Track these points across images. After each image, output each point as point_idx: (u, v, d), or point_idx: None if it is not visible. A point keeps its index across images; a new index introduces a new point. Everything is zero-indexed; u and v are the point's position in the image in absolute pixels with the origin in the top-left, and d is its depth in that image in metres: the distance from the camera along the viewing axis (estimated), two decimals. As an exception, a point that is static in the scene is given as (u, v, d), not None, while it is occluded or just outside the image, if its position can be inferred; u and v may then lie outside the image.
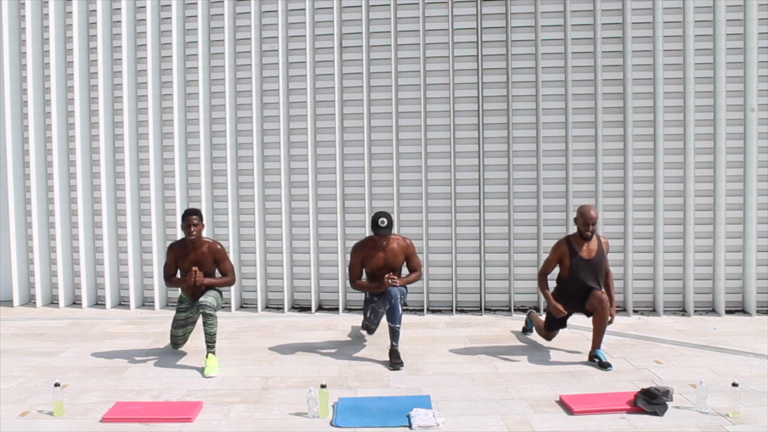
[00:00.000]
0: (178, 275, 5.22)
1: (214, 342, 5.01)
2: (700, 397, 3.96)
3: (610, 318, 4.99)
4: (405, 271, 5.46)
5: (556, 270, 5.17)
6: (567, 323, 5.29)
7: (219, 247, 5.19)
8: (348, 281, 5.32)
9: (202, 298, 5.02)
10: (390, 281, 5.06)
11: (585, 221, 4.92)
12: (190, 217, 5.07)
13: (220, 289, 5.32)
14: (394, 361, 4.97)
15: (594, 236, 5.02)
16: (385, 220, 5.07)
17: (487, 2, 6.76)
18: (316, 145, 7.00)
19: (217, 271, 5.25)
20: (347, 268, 5.34)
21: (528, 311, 5.88)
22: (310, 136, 6.93)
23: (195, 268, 5.03)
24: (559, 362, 5.01)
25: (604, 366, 4.84)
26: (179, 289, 5.37)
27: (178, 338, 5.34)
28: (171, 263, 5.21)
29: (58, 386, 4.04)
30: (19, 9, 7.33)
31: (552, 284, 5.23)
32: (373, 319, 5.45)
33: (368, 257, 5.26)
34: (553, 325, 5.27)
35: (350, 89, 6.91)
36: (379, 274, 5.25)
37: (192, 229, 5.04)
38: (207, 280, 5.10)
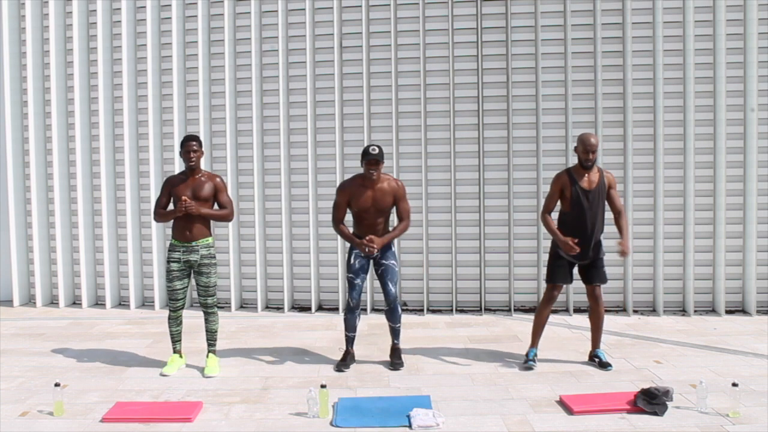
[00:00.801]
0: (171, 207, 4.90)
1: (215, 340, 5.00)
2: (700, 397, 3.96)
3: (624, 251, 4.73)
4: (394, 222, 5.09)
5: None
6: (572, 277, 4.96)
7: (218, 179, 4.94)
8: (332, 223, 4.95)
9: (201, 299, 4.93)
10: (368, 248, 4.73)
11: (585, 148, 4.70)
12: (190, 143, 4.82)
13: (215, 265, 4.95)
14: (395, 361, 4.96)
15: (595, 167, 4.81)
16: (376, 147, 4.72)
17: (487, 2, 6.76)
18: (316, 145, 7.00)
19: (216, 205, 4.94)
20: (332, 206, 4.94)
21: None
22: (310, 136, 6.93)
23: (184, 198, 4.71)
24: (559, 362, 5.01)
25: (604, 366, 4.83)
26: (171, 234, 4.98)
27: (177, 292, 4.88)
28: (164, 195, 4.89)
29: (58, 386, 4.04)
30: (19, 9, 7.33)
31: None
32: (349, 290, 4.95)
33: (355, 195, 4.84)
34: (556, 276, 4.88)
35: (350, 89, 6.91)
36: (366, 216, 4.88)
37: (191, 155, 4.80)
38: (203, 210, 4.78)
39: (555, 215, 4.98)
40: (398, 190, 4.91)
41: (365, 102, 6.85)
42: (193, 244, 4.86)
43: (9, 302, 7.41)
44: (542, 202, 6.63)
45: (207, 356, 4.95)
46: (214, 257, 4.96)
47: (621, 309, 6.75)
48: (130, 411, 4.06)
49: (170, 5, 7.01)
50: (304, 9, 6.88)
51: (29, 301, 7.54)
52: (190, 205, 4.71)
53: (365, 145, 4.86)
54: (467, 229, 6.88)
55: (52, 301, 7.46)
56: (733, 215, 6.61)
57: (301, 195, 7.03)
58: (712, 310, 6.69)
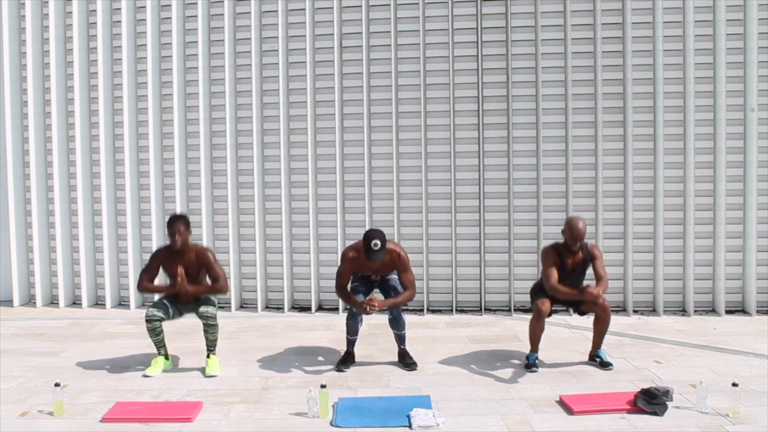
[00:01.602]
0: (157, 282, 4.96)
1: (215, 346, 4.98)
2: (700, 397, 3.95)
3: (593, 294, 4.76)
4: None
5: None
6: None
7: (208, 253, 4.89)
8: (335, 290, 5.00)
9: (202, 308, 4.84)
10: (368, 308, 4.73)
11: (572, 235, 4.75)
12: (175, 225, 4.80)
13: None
14: (408, 362, 4.95)
15: (581, 247, 4.86)
16: (378, 242, 4.64)
17: (487, 2, 6.76)
18: (316, 145, 7.00)
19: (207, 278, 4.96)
20: (336, 272, 4.98)
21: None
22: (310, 136, 6.93)
23: (181, 271, 4.75)
24: (559, 362, 5.01)
25: (605, 365, 4.83)
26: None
27: (160, 308, 4.82)
28: (153, 268, 4.88)
29: (58, 386, 4.04)
30: (19, 9, 7.33)
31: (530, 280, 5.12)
32: (348, 325, 5.00)
33: (359, 266, 4.97)
34: (539, 295, 4.96)
35: (350, 89, 6.91)
36: (369, 279, 5.08)
37: (177, 237, 4.77)
38: (193, 288, 4.79)
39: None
40: (400, 262, 4.92)
41: (365, 102, 6.85)
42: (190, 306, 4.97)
43: (9, 302, 7.41)
44: (542, 202, 6.69)
45: (207, 356, 4.95)
46: (216, 304, 4.98)
47: (621, 309, 6.75)
48: (130, 411, 4.06)
49: (170, 5, 7.01)
50: (304, 9, 6.88)
51: (29, 301, 7.54)
52: (181, 284, 4.74)
53: (367, 230, 4.82)
54: (467, 229, 6.88)
55: (52, 301, 7.46)
56: (733, 215, 6.61)
57: (301, 195, 7.03)
58: (712, 310, 6.69)
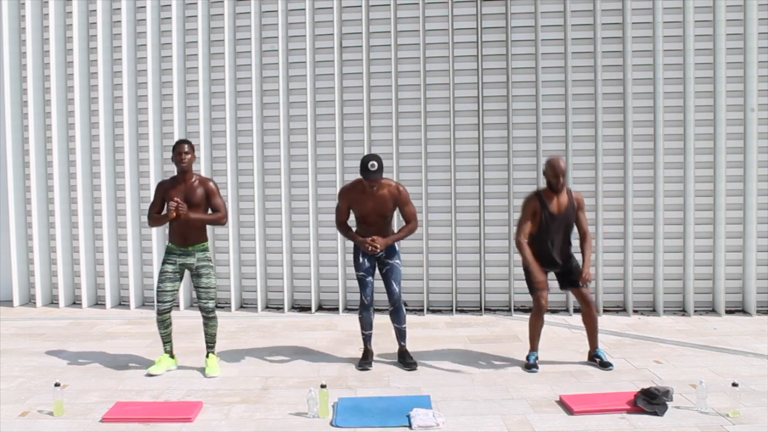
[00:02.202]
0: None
1: (215, 342, 5.00)
2: (700, 397, 3.95)
3: (586, 282, 4.78)
4: (398, 222, 5.11)
5: None
6: (548, 285, 4.94)
7: (211, 182, 4.92)
8: (336, 225, 5.03)
9: (202, 302, 4.88)
10: (371, 248, 4.74)
11: (555, 173, 4.72)
12: (181, 145, 4.81)
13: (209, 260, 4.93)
14: (408, 361, 4.95)
15: (564, 190, 4.83)
16: (375, 163, 4.69)
17: (487, 2, 6.76)
18: (316, 145, 7.00)
19: (209, 210, 4.93)
20: (335, 210, 5.03)
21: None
22: (310, 136, 6.93)
23: (177, 199, 4.69)
24: (559, 362, 5.01)
25: (605, 365, 4.83)
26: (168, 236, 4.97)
27: (165, 294, 4.84)
28: (158, 200, 4.88)
29: (58, 386, 4.04)
30: (19, 9, 7.33)
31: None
32: (362, 288, 4.95)
33: (356, 201, 4.90)
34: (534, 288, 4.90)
35: (350, 89, 6.91)
36: (368, 219, 4.92)
37: (183, 156, 4.77)
38: (194, 215, 4.75)
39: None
40: (399, 196, 4.91)
41: (365, 102, 6.85)
42: (189, 248, 4.88)
43: (9, 302, 7.41)
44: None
45: (207, 356, 4.95)
46: (211, 260, 4.97)
47: (621, 309, 6.75)
48: (130, 411, 4.06)
49: (170, 5, 7.02)
50: (304, 9, 6.88)
51: (29, 301, 7.54)
52: (181, 207, 4.69)
53: (364, 154, 4.87)
54: (467, 229, 6.88)
55: (52, 301, 7.46)
56: (733, 215, 6.61)
57: (301, 195, 7.03)
58: (712, 310, 6.69)
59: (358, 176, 4.86)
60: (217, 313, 5.05)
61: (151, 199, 5.02)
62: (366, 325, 5.05)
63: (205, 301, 4.91)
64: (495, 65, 6.78)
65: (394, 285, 4.94)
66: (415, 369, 4.87)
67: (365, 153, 6.80)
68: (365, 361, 4.97)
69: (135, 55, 7.21)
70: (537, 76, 6.69)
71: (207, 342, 4.97)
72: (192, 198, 4.81)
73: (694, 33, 6.47)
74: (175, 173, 4.94)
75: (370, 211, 4.89)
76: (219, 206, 4.90)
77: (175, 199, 4.72)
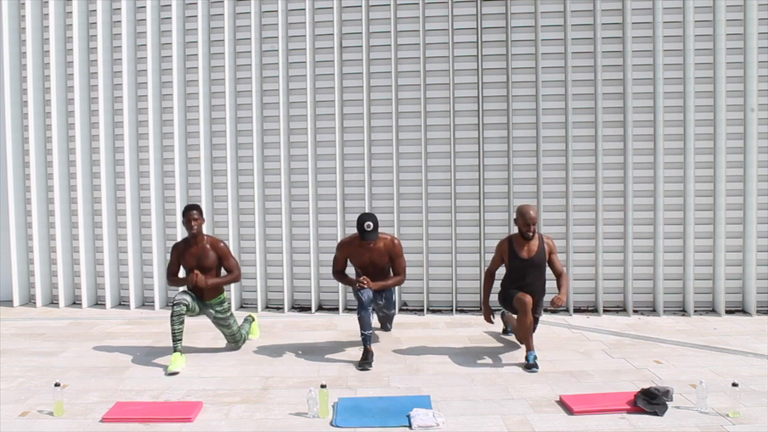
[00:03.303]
0: (181, 274, 5.32)
1: (240, 341, 5.46)
2: (700, 397, 3.96)
3: (558, 305, 4.84)
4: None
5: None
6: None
7: (222, 244, 5.26)
8: (333, 275, 5.47)
9: (231, 346, 5.33)
10: (358, 284, 5.09)
11: (525, 221, 4.97)
12: (191, 212, 5.14)
13: (226, 295, 5.41)
14: (387, 326, 5.65)
15: (536, 236, 5.05)
16: (371, 224, 5.03)
17: (487, 2, 6.76)
18: (316, 145, 7.00)
19: (222, 270, 5.31)
20: (332, 259, 5.45)
21: (501, 312, 5.90)
22: (310, 136, 6.93)
23: (196, 272, 5.06)
24: (559, 362, 5.01)
25: (529, 368, 4.81)
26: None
27: (183, 306, 5.02)
28: (174, 262, 5.27)
29: (58, 386, 4.04)
30: (19, 9, 7.33)
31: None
32: (361, 319, 5.06)
33: (353, 255, 5.31)
34: (510, 301, 5.11)
35: (350, 89, 6.91)
36: (366, 271, 5.30)
37: (193, 223, 5.12)
38: (211, 281, 5.13)
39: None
40: (393, 249, 5.30)
41: (365, 102, 6.85)
42: (207, 303, 5.25)
43: (9, 302, 7.41)
44: (542, 202, 6.70)
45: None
46: (229, 310, 5.33)
47: (621, 309, 6.76)
48: (130, 411, 4.06)
49: (170, 5, 7.01)
50: (304, 9, 6.88)
51: (29, 301, 7.54)
52: (200, 279, 5.05)
53: (360, 214, 5.16)
54: (467, 229, 6.88)
55: (52, 301, 7.46)
56: (733, 215, 6.61)
57: (301, 195, 7.03)
58: (712, 310, 6.69)
59: (355, 232, 5.23)
60: (236, 329, 5.40)
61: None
62: (365, 325, 5.06)
63: (233, 344, 5.38)
64: (495, 65, 6.78)
65: (388, 325, 5.68)
66: (389, 330, 5.39)
67: (365, 153, 6.84)
68: (365, 361, 4.98)
69: (135, 55, 7.21)
70: (537, 76, 6.70)
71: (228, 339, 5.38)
72: (205, 262, 5.17)
73: (694, 33, 6.47)
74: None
75: (368, 264, 5.28)
76: (232, 267, 5.25)
77: (195, 272, 5.07)
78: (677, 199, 6.65)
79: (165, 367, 4.94)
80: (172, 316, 5.00)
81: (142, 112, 7.21)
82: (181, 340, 5.03)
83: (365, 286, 5.08)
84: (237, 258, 7.04)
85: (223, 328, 5.32)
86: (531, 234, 4.98)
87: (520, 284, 5.08)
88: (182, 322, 5.02)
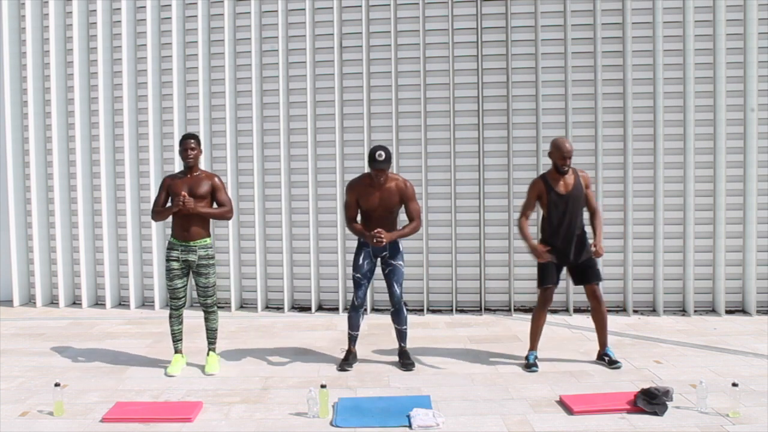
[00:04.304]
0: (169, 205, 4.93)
1: (215, 338, 5.01)
2: (700, 397, 3.96)
3: (598, 252, 4.80)
4: (403, 220, 5.10)
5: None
6: (559, 279, 4.96)
7: (217, 178, 4.96)
8: (345, 223, 5.06)
9: (200, 299, 4.93)
10: (376, 239, 4.72)
11: (561, 154, 4.74)
12: (188, 140, 4.85)
13: (212, 253, 4.94)
14: (405, 362, 4.94)
15: (570, 170, 4.84)
16: (382, 153, 4.71)
17: (487, 2, 6.76)
18: (316, 145, 7.00)
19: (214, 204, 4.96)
20: (343, 206, 5.08)
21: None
22: (310, 136, 6.93)
23: (184, 193, 4.71)
24: (559, 362, 5.01)
25: (613, 363, 4.82)
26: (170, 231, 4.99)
27: (178, 291, 4.87)
28: (162, 193, 4.90)
29: (58, 386, 4.04)
30: (19, 9, 7.33)
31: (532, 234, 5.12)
32: (355, 289, 4.96)
33: (363, 195, 4.89)
34: (545, 279, 4.88)
35: (350, 89, 6.91)
36: (374, 215, 4.92)
37: (189, 152, 4.82)
38: (201, 208, 4.78)
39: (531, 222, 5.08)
40: (405, 191, 4.92)
41: (365, 102, 6.85)
42: (191, 244, 4.87)
43: (9, 302, 7.40)
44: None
45: (207, 354, 4.96)
46: (213, 257, 4.97)
47: (621, 309, 6.75)
48: (130, 411, 4.06)
49: (170, 5, 7.01)
50: (304, 9, 6.88)
51: (29, 301, 7.54)
52: (188, 200, 4.71)
53: (371, 147, 4.92)
54: (467, 229, 6.88)
55: (52, 301, 7.46)
56: (733, 215, 6.61)
57: (301, 195, 7.03)
58: (712, 310, 6.69)
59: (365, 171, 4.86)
60: (218, 313, 5.06)
61: (155, 193, 5.00)
62: (353, 326, 5.02)
63: (203, 298, 4.96)
64: (495, 65, 6.78)
65: (396, 287, 4.94)
66: (411, 369, 4.87)
67: (365, 153, 6.81)
68: (345, 362, 4.96)
69: (135, 55, 7.21)
70: (537, 76, 6.69)
71: (208, 338, 4.99)
72: (197, 191, 4.83)
73: (694, 33, 6.47)
74: (177, 170, 4.94)
75: (377, 205, 4.89)
76: (225, 201, 4.93)
77: (183, 193, 4.73)
78: (677, 199, 6.65)
79: (165, 368, 4.94)
80: (171, 318, 4.97)
81: (142, 112, 7.21)
82: (181, 340, 5.02)
83: (383, 239, 4.71)
84: (236, 258, 7.06)
85: (199, 278, 4.88)
86: (567, 168, 4.77)
87: (561, 220, 4.82)
88: (181, 323, 4.99)
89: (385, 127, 6.87)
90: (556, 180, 4.85)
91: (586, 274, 4.92)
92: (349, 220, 5.00)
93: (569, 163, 4.79)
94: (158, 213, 4.94)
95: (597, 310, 4.95)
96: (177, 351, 4.99)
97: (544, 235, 4.96)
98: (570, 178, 4.85)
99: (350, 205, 4.98)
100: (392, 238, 4.86)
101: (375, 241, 4.76)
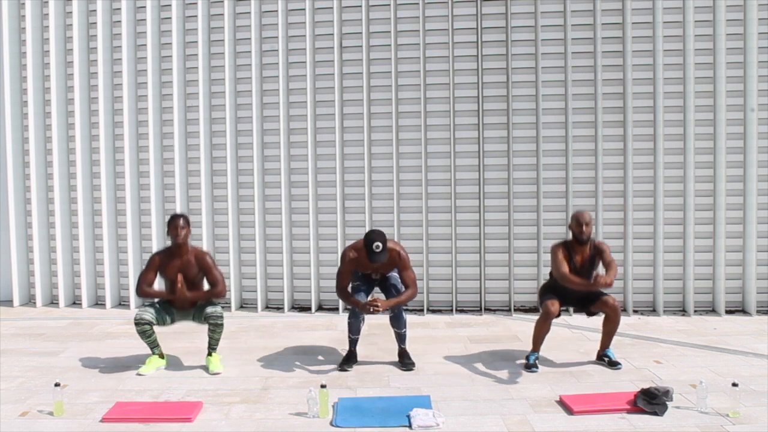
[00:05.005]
0: (156, 286, 4.92)
1: (217, 345, 4.99)
2: (700, 397, 3.95)
3: (604, 284, 4.73)
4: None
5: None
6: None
7: (208, 257, 4.91)
8: (336, 292, 4.96)
9: (209, 309, 4.84)
10: (372, 309, 4.68)
11: (578, 222, 4.76)
12: (177, 220, 4.84)
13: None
14: (406, 362, 4.95)
15: (589, 242, 4.84)
16: (380, 245, 4.61)
17: (487, 2, 6.76)
18: (316, 145, 7.00)
19: (204, 282, 4.95)
20: (336, 274, 4.96)
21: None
22: (310, 136, 6.93)
23: (180, 278, 4.75)
24: (559, 362, 5.01)
25: (613, 364, 4.82)
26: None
27: (146, 313, 4.77)
28: (151, 271, 4.86)
29: (58, 386, 4.03)
30: (19, 9, 7.33)
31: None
32: (351, 324, 4.98)
33: (360, 265, 4.91)
34: (549, 296, 4.89)
35: (350, 89, 6.91)
36: (368, 278, 5.03)
37: (179, 230, 4.79)
38: (191, 295, 4.79)
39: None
40: (400, 262, 4.89)
41: (365, 102, 6.85)
42: (183, 310, 4.95)
43: (9, 302, 7.41)
44: (542, 202, 6.69)
45: (209, 355, 4.95)
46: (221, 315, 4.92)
47: (621, 309, 6.73)
48: (130, 411, 4.06)
49: (170, 5, 7.01)
50: (304, 9, 6.88)
51: (29, 301, 7.54)
52: (181, 291, 4.74)
53: (368, 231, 4.77)
54: (467, 229, 6.88)
55: (52, 301, 7.46)
56: (733, 215, 6.61)
57: (301, 195, 7.03)
58: (712, 310, 6.69)
59: (361, 240, 4.80)
60: (223, 323, 5.08)
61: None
62: (354, 330, 5.01)
63: (212, 309, 4.87)
64: (495, 65, 6.78)
65: (393, 291, 4.95)
66: (412, 369, 4.87)
67: (365, 153, 6.84)
68: (346, 363, 4.96)
69: (135, 55, 7.21)
70: (537, 76, 6.70)
71: (210, 345, 4.96)
72: (188, 273, 4.84)
73: (694, 33, 6.47)
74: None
75: (372, 273, 5.00)
76: (217, 280, 4.87)
77: (180, 279, 4.75)
78: (677, 199, 6.65)
79: (165, 368, 4.95)
80: (137, 332, 4.81)
81: (142, 112, 7.21)
82: (157, 346, 4.92)
83: (379, 309, 4.68)
84: (236, 258, 7.06)
85: (209, 308, 4.85)
86: (585, 237, 4.74)
87: (570, 291, 4.85)
88: (151, 335, 4.84)
89: (385, 127, 6.87)
90: (575, 251, 4.85)
91: (593, 294, 4.92)
92: (341, 290, 4.92)
93: (587, 231, 4.75)
94: (147, 293, 4.87)
95: (612, 319, 4.90)
96: (154, 354, 4.94)
97: (553, 290, 4.94)
98: (586, 253, 4.86)
99: (345, 275, 4.90)
100: (389, 306, 4.84)
101: (371, 310, 4.73)
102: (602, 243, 4.97)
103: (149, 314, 4.81)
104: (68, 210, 7.38)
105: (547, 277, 5.20)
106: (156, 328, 4.88)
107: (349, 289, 4.96)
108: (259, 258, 7.02)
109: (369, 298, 4.93)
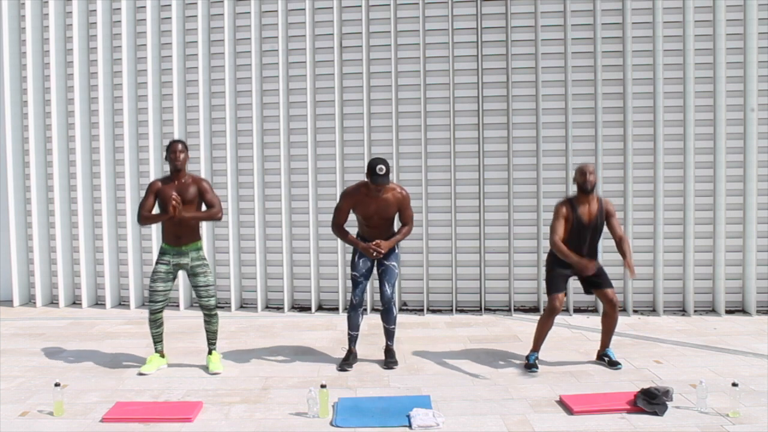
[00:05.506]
0: (155, 211, 4.88)
1: (216, 339, 5.01)
2: (700, 397, 3.96)
3: (631, 274, 4.74)
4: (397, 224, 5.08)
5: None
6: (566, 288, 5.00)
7: (204, 181, 4.94)
8: (332, 227, 4.98)
9: (203, 300, 4.89)
10: (375, 253, 4.76)
11: (582, 171, 4.72)
12: (176, 144, 4.84)
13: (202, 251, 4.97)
14: (389, 360, 4.99)
15: (595, 196, 4.81)
16: (383, 167, 4.64)
17: (487, 2, 6.76)
18: (316, 145, 7.00)
19: (203, 205, 4.94)
20: (334, 210, 4.97)
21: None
22: (310, 136, 6.93)
23: (176, 196, 4.70)
24: (559, 362, 5.01)
25: (613, 364, 4.82)
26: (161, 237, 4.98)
27: (158, 294, 4.85)
28: (149, 198, 4.83)
29: (58, 386, 4.04)
30: (19, 9, 7.33)
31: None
32: (353, 287, 4.99)
33: (359, 204, 4.86)
34: (557, 287, 4.84)
35: (350, 89, 6.91)
36: (371, 222, 4.90)
37: (177, 155, 4.79)
38: (188, 213, 4.77)
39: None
40: (402, 200, 4.90)
41: (365, 102, 6.85)
42: (183, 248, 4.90)
43: (9, 302, 7.41)
44: (542, 202, 6.68)
45: (209, 354, 4.96)
46: (205, 258, 5.01)
47: (621, 309, 6.72)
48: (130, 411, 4.06)
49: (170, 5, 7.01)
50: (304, 9, 6.88)
51: (29, 301, 7.54)
52: (178, 205, 4.70)
53: (365, 154, 4.84)
54: (467, 229, 6.88)
55: (52, 301, 7.46)
56: (733, 215, 6.61)
57: (301, 195, 7.03)
58: (712, 310, 6.69)
59: (362, 179, 4.83)
60: (217, 313, 5.05)
61: (142, 197, 4.97)
62: (353, 326, 5.04)
63: (205, 299, 4.93)
64: (495, 65, 6.78)
65: (387, 287, 4.94)
66: (393, 368, 4.89)
67: (365, 153, 6.83)
68: (346, 362, 4.97)
69: (135, 55, 7.21)
70: (537, 76, 6.70)
71: (209, 339, 4.99)
72: (185, 196, 4.83)
73: (694, 33, 6.47)
74: (169, 173, 4.93)
75: (373, 214, 4.89)
76: (213, 202, 4.90)
77: (174, 196, 4.72)
78: (677, 199, 6.65)
79: (165, 368, 4.95)
80: (149, 321, 4.90)
81: (142, 112, 7.21)
82: (161, 341, 4.97)
83: (381, 252, 4.75)
84: (236, 258, 7.06)
85: (197, 278, 4.88)
86: (591, 185, 4.70)
87: (578, 246, 4.77)
88: (160, 325, 4.93)
89: (385, 127, 6.87)
90: (581, 205, 4.81)
91: (600, 280, 4.89)
92: (338, 226, 4.97)
93: (592, 179, 4.73)
94: (146, 218, 4.87)
95: (610, 315, 4.91)
96: (156, 351, 4.97)
97: (557, 257, 4.87)
98: (594, 205, 4.82)
99: (343, 211, 4.94)
100: (390, 246, 4.89)
101: (374, 254, 4.78)
102: (609, 202, 4.92)
103: (158, 296, 4.85)
104: (68, 210, 7.38)
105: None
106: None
107: (348, 284, 4.95)
108: (259, 258, 7.02)
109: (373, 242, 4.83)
